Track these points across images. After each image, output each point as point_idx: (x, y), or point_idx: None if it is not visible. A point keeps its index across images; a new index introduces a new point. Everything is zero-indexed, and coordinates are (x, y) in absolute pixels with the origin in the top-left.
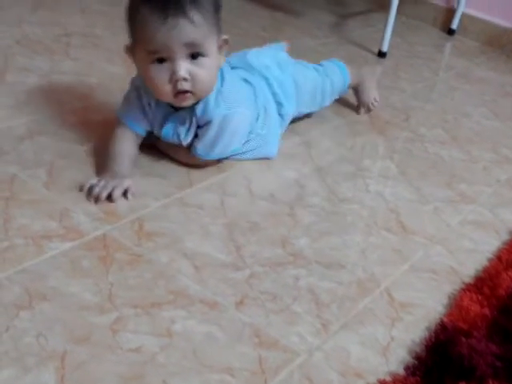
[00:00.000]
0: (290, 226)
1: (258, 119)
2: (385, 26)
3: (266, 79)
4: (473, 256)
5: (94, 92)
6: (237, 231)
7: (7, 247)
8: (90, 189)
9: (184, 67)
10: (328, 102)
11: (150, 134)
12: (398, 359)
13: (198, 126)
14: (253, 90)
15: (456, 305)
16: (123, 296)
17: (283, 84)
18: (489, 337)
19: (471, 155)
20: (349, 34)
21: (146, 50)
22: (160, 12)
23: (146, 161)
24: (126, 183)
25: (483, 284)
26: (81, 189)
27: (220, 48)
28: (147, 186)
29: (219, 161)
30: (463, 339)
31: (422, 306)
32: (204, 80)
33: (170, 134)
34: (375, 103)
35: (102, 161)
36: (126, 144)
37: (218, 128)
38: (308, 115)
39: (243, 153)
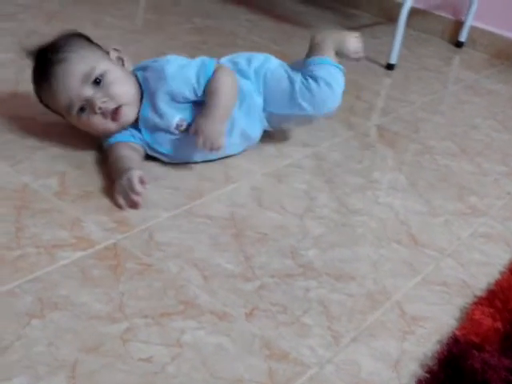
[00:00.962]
0: (300, 238)
1: None
2: (393, 38)
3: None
4: (484, 269)
5: None
6: (246, 242)
7: (19, 256)
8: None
9: (94, 95)
10: (331, 98)
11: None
12: (409, 373)
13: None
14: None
15: (468, 318)
16: (133, 306)
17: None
18: (502, 351)
19: (481, 168)
20: None
21: (65, 112)
22: (43, 81)
23: (156, 172)
24: (136, 173)
25: (495, 297)
26: (120, 207)
27: (118, 58)
28: (157, 197)
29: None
30: (476, 353)
31: (433, 319)
32: (119, 89)
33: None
34: (359, 51)
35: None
36: (123, 150)
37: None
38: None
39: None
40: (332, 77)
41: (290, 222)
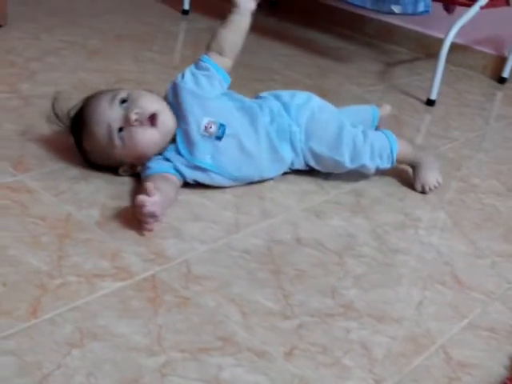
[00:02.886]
0: (340, 276)
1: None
2: (433, 73)
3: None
4: None
5: None
6: (285, 279)
7: (61, 284)
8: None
9: (126, 109)
10: (368, 160)
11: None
12: None
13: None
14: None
15: None
16: (171, 339)
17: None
18: None
19: None
20: (396, 82)
21: (109, 145)
22: (81, 131)
23: (194, 205)
24: (140, 198)
25: None
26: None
27: None
28: (195, 229)
29: None
30: None
31: (481, 366)
32: (147, 100)
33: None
34: (435, 185)
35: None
36: (156, 182)
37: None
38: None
39: None
40: (379, 150)
41: (329, 259)
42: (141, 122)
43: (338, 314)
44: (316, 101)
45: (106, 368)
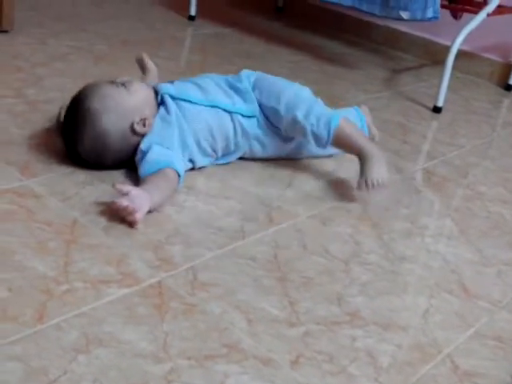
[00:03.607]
0: (346, 284)
1: None
2: (440, 80)
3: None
4: None
5: None
6: (290, 286)
7: (67, 290)
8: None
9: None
10: (301, 115)
11: None
12: None
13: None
14: None
15: None
16: (177, 346)
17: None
18: None
19: None
20: (402, 89)
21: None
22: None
23: (201, 212)
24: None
25: None
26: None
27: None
28: (201, 236)
29: None
30: None
31: (488, 375)
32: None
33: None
34: (378, 181)
35: (161, 209)
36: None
37: None
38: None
39: None
40: (319, 114)
41: (335, 266)
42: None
43: (344, 322)
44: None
45: (112, 374)
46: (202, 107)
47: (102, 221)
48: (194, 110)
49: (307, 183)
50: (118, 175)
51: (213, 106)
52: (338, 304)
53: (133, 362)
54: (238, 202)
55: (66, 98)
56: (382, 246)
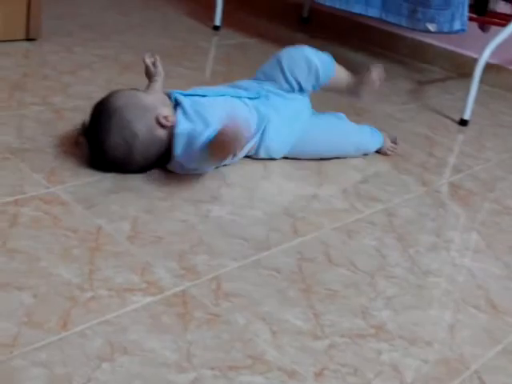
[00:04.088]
0: (371, 297)
1: None
2: (466, 93)
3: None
4: None
5: None
6: (315, 298)
7: (91, 297)
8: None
9: None
10: (310, 53)
11: None
12: None
13: None
14: None
15: None
16: (201, 356)
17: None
18: None
19: None
20: (428, 101)
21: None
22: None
23: (225, 222)
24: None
25: None
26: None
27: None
28: (226, 246)
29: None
30: None
31: None
32: None
33: None
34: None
35: (185, 217)
36: None
37: None
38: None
39: None
40: (323, 56)
41: (360, 279)
42: None
43: (370, 335)
44: None
45: (136, 383)
46: (212, 97)
47: (127, 229)
48: (206, 101)
49: (332, 195)
50: (142, 184)
51: (221, 95)
52: (363, 317)
53: (157, 371)
54: (262, 213)
55: (88, 107)
56: (408, 259)
